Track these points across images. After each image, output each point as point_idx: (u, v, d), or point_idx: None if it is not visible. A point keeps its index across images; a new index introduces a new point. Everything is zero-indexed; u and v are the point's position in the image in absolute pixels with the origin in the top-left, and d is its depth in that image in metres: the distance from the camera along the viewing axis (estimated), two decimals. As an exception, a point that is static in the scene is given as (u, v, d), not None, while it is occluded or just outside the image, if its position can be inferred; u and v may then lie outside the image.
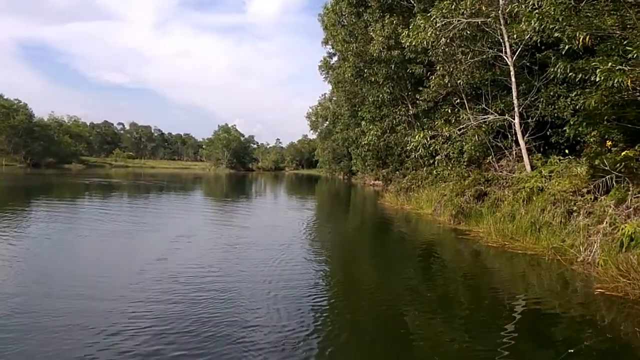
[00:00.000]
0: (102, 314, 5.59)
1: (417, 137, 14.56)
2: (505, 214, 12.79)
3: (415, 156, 17.38)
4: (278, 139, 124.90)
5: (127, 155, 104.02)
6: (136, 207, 21.08)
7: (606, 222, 9.29)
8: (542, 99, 13.17)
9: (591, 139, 11.04)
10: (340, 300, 6.92)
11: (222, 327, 5.24)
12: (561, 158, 12.58)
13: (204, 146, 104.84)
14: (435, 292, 7.63)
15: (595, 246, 9.13)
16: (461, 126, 14.48)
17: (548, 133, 13.42)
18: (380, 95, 21.82)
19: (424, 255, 11.22)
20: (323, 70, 33.11)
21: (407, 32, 14.18)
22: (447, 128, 14.07)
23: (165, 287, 6.87)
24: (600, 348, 5.28)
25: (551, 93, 12.89)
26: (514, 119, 13.55)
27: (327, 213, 22.74)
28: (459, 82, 14.88)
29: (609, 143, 10.88)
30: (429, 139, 14.21)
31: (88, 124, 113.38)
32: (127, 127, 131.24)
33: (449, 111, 15.59)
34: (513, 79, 13.19)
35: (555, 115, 12.65)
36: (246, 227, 14.37)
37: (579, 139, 12.24)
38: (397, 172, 24.91)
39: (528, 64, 14.02)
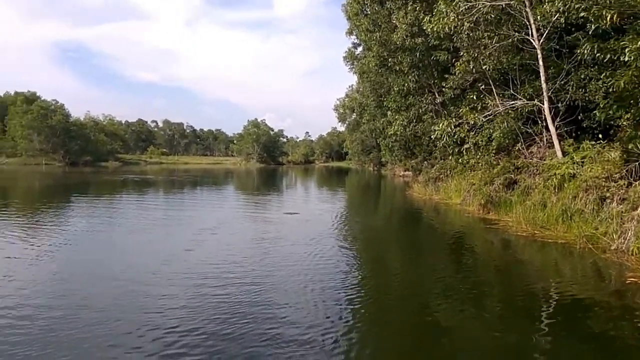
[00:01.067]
0: (137, 305, 5.84)
1: (441, 125, 14.25)
2: (535, 202, 12.41)
3: (441, 145, 17.03)
4: (307, 132, 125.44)
5: (161, 152, 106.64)
6: (172, 201, 21.87)
7: (641, 209, 8.91)
8: (572, 82, 12.62)
9: (624, 122, 10.53)
10: (372, 294, 6.87)
11: (256, 322, 5.28)
12: (594, 143, 12.05)
13: (234, 141, 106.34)
14: (466, 283, 7.49)
15: (630, 233, 8.77)
16: (487, 113, 14.06)
17: (579, 117, 12.85)
18: (406, 84, 21.48)
19: (453, 246, 11.03)
20: (348, 61, 32.87)
21: (429, 18, 13.87)
22: (472, 115, 13.68)
23: (200, 279, 7.01)
24: (635, 338, 5.12)
25: (582, 76, 12.32)
26: (543, 104, 13.07)
27: (357, 205, 22.69)
28: (484, 67, 14.41)
29: (645, 126, 10.38)
30: (453, 127, 13.88)
31: (123, 122, 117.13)
32: (161, 124, 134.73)
33: (475, 98, 15.18)
34: (541, 63, 12.70)
35: (587, 98, 12.10)
36: (278, 219, 14.55)
37: (612, 122, 11.70)
38: (426, 162, 24.52)
39: (557, 46, 13.45)
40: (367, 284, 7.36)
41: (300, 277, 7.22)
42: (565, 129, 13.54)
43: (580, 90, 12.46)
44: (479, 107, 14.52)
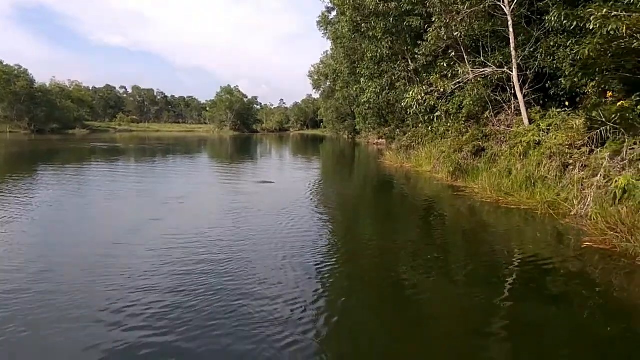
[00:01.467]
0: (97, 275, 5.69)
1: (411, 93, 14.17)
2: (501, 169, 12.65)
3: (410, 113, 16.99)
4: (282, 100, 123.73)
5: (131, 119, 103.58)
6: (142, 170, 21.15)
7: (600, 175, 9.14)
8: (541, 49, 12.66)
9: (590, 90, 10.68)
10: (342, 261, 6.83)
11: (221, 293, 5.22)
12: (560, 111, 12.24)
13: (207, 108, 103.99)
14: (433, 248, 7.65)
15: (589, 199, 9.03)
16: (457, 80, 14.04)
17: (547, 85, 12.98)
18: (379, 51, 21.15)
19: (422, 213, 11.16)
20: (322, 26, 32.02)
21: (401, -18, 13.56)
22: (442, 83, 13.63)
23: (164, 249, 6.90)
24: (589, 300, 5.37)
25: (551, 43, 12.34)
26: (512, 72, 13.11)
27: (330, 173, 22.52)
28: (456, 34, 14.28)
29: (609, 94, 10.55)
30: (423, 95, 13.81)
31: (90, 88, 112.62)
32: (130, 90, 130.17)
33: (445, 65, 15.11)
34: (511, 30, 12.65)
35: (555, 66, 12.18)
36: (251, 188, 14.38)
37: (578, 90, 11.87)
38: (398, 130, 24.57)
39: (528, 13, 13.41)
40: (337, 252, 7.37)
41: (270, 246, 7.19)
42: (533, 96, 13.68)
43: (549, 57, 12.51)
44: (450, 75, 14.47)
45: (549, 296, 5.51)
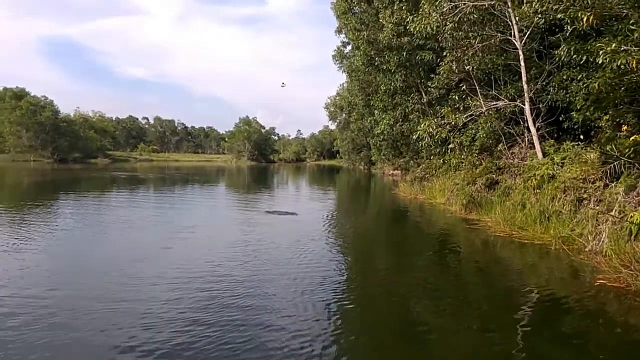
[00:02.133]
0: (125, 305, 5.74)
1: (422, 125, 14.24)
2: (515, 202, 12.46)
3: (422, 145, 17.01)
4: (299, 130, 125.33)
5: (151, 149, 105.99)
6: (161, 199, 21.59)
7: (615, 210, 8.93)
8: (554, 83, 12.67)
9: (603, 124, 10.57)
10: (358, 298, 6.68)
11: (236, 325, 5.20)
12: (574, 144, 12.11)
13: (226, 139, 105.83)
14: (446, 282, 7.58)
15: (604, 235, 8.80)
16: (469, 113, 14.08)
17: (561, 119, 12.90)
18: (393, 84, 21.47)
19: (435, 246, 10.98)
20: (337, 60, 32.80)
21: (412, 18, 13.86)
22: (453, 116, 13.68)
23: (191, 279, 6.95)
24: (604, 340, 5.22)
25: (564, 77, 12.35)
26: (524, 105, 13.10)
27: (345, 204, 22.45)
28: (468, 68, 14.44)
29: (625, 128, 10.41)
30: (435, 127, 13.86)
31: (113, 118, 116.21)
32: (152, 121, 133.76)
33: (457, 98, 15.18)
34: (522, 63, 12.72)
35: (567, 99, 12.14)
36: (267, 218, 14.37)
37: (592, 124, 11.76)
38: (412, 162, 24.55)
39: (539, 47, 13.50)
40: (352, 285, 7.32)
41: (285, 279, 7.15)
42: (547, 129, 13.60)
43: (562, 91, 12.50)
44: (461, 108, 14.53)
45: (564, 335, 5.31)
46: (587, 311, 6.06)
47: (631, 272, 6.76)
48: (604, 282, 6.90)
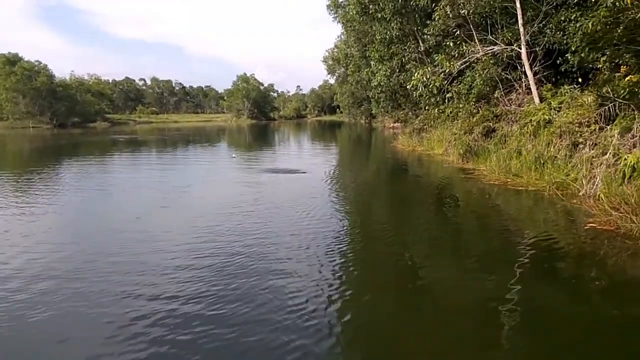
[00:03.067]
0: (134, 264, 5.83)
1: (416, 74, 13.85)
2: (511, 150, 12.33)
3: (416, 95, 16.64)
4: (298, 86, 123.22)
5: (150, 111, 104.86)
6: (165, 159, 21.88)
7: (610, 153, 8.81)
8: (551, 25, 12.17)
9: (601, 65, 10.21)
10: (358, 245, 6.91)
11: (239, 277, 5.33)
12: (572, 88, 11.80)
13: (224, 98, 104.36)
14: (444, 232, 7.65)
15: (597, 179, 8.73)
16: (463, 60, 13.64)
17: (558, 62, 12.49)
18: (388, 32, 20.74)
19: (432, 197, 10.91)
20: (332, 10, 31.55)
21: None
22: (447, 63, 13.27)
23: (198, 236, 7.05)
24: (594, 282, 5.32)
25: (561, 18, 11.84)
26: (520, 49, 12.66)
27: (346, 160, 21.96)
28: (463, 12, 13.86)
29: (623, 69, 10.06)
30: (429, 76, 13.47)
31: (110, 81, 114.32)
32: (149, 82, 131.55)
33: (451, 45, 14.65)
34: (518, 5, 12.18)
35: (565, 41, 11.70)
36: (272, 173, 14.50)
37: (591, 66, 11.38)
38: (410, 113, 24.17)
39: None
40: (354, 237, 7.36)
41: (291, 230, 7.34)
42: (545, 73, 13.21)
43: (559, 33, 12.03)
44: (456, 55, 14.07)
45: (556, 278, 5.46)
46: (578, 254, 6.09)
47: (620, 214, 6.73)
48: (594, 225, 6.89)
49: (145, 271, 5.55)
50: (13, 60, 67.90)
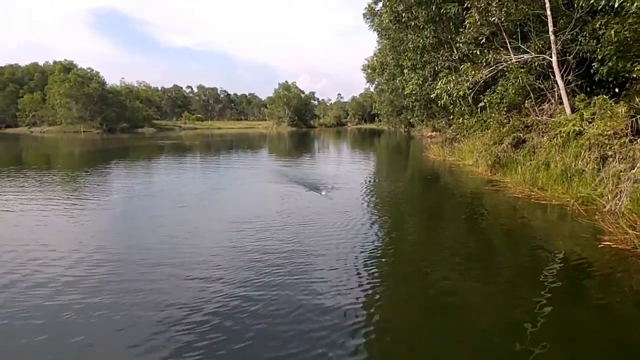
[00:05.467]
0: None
1: (439, 83, 13.58)
2: (539, 162, 11.83)
3: (441, 104, 16.28)
4: (339, 94, 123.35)
5: (195, 117, 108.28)
6: (208, 164, 22.87)
7: (638, 167, 8.30)
8: (584, 32, 11.63)
9: (636, 75, 9.65)
10: (388, 256, 6.80)
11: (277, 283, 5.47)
12: (605, 98, 11.19)
13: (266, 105, 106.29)
14: (470, 248, 7.33)
15: (623, 194, 8.24)
16: (490, 68, 13.25)
17: (592, 71, 11.89)
18: (422, 40, 20.47)
19: (457, 211, 10.43)
20: (368, 18, 31.54)
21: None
22: (472, 72, 12.93)
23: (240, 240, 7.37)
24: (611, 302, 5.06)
25: (596, 25, 11.29)
26: (551, 57, 12.17)
27: (381, 169, 21.67)
28: (493, 19, 13.47)
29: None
30: (452, 85, 13.17)
31: (159, 88, 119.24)
32: (195, 90, 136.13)
33: (478, 53, 14.25)
34: (548, 12, 11.71)
35: (599, 50, 11.12)
36: (306, 181, 14.54)
37: (627, 75, 10.79)
38: (444, 123, 23.69)
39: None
40: (382, 250, 7.17)
41: (325, 237, 7.43)
42: (578, 83, 12.63)
43: (593, 41, 11.47)
44: (485, 63, 13.68)
45: (579, 297, 5.23)
46: (589, 273, 5.78)
47: (637, 233, 6.32)
48: (609, 243, 6.51)
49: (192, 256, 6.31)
50: (68, 68, 72.36)
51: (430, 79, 21.16)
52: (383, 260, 6.57)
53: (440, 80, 14.12)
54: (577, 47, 11.80)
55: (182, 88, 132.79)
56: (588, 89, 12.61)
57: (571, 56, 12.12)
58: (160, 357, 3.85)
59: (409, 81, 22.17)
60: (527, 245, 7.29)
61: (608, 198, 8.53)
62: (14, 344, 4.11)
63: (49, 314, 4.62)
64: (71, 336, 4.21)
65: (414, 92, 21.89)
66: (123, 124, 73.23)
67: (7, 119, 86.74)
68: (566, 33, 11.96)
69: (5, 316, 4.59)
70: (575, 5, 11.77)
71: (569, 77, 12.43)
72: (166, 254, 6.57)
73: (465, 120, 18.50)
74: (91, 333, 4.26)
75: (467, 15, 15.14)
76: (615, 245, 6.38)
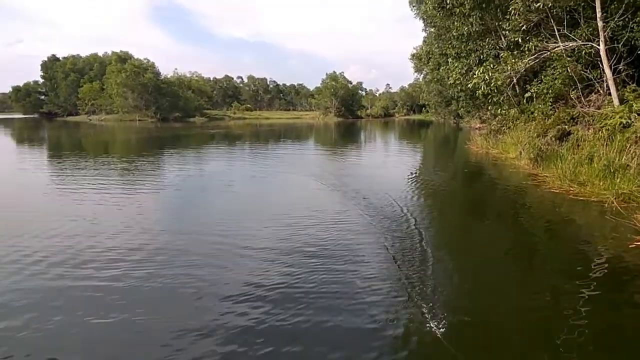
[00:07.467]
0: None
1: (477, 72, 13.06)
2: (582, 156, 11.20)
3: (479, 94, 15.62)
4: (388, 84, 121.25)
5: (245, 107, 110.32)
6: (257, 152, 23.78)
7: (685, 164, 7.69)
8: (638, 18, 10.80)
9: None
10: (427, 255, 6.46)
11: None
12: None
13: (314, 95, 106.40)
14: (503, 245, 7.21)
15: (667, 192, 7.68)
16: (531, 57, 12.58)
17: (645, 59, 11.08)
18: (467, 28, 19.72)
19: (493, 207, 10.25)
20: (414, 5, 30.70)
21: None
22: (511, 60, 12.33)
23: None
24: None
25: (653, 9, 10.48)
26: (599, 45, 11.41)
27: (428, 162, 21.29)
28: (538, 5, 12.77)
29: None
30: (490, 74, 12.62)
31: (211, 78, 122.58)
32: (246, 80, 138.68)
33: (520, 40, 13.55)
34: (596, -4, 10.99)
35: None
36: (354, 171, 15.09)
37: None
38: (489, 113, 22.80)
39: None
40: (422, 244, 6.96)
41: (372, 233, 7.45)
42: (630, 72, 11.78)
43: (647, 26, 10.66)
44: (527, 51, 13.02)
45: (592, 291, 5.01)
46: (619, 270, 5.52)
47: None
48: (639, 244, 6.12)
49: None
50: (124, 58, 75.77)
51: (475, 67, 20.39)
52: (421, 254, 6.42)
53: (477, 69, 13.57)
54: (628, 34, 10.98)
55: (233, 78, 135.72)
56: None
57: (621, 44, 11.29)
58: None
59: (453, 70, 21.45)
60: (552, 241, 7.04)
61: (651, 195, 7.98)
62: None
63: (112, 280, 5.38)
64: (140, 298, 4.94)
65: (458, 82, 21.16)
66: (176, 114, 75.90)
67: (69, 107, 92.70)
68: (616, 19, 11.15)
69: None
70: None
71: (619, 67, 11.60)
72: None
73: (510, 111, 17.73)
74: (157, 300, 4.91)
75: (512, 1, 14.45)
76: (646, 246, 5.99)
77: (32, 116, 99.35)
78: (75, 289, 5.14)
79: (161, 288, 5.17)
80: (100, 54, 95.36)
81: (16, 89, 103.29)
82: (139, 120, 69.49)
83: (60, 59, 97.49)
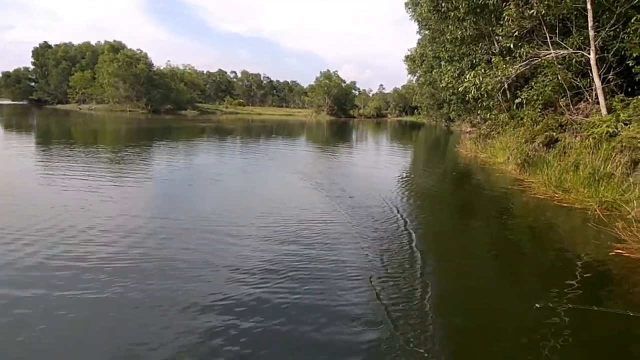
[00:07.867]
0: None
1: (468, 76, 13.14)
2: (568, 163, 11.33)
3: (469, 98, 15.74)
4: (381, 85, 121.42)
5: (237, 102, 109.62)
6: (250, 149, 23.54)
7: (668, 174, 7.80)
8: (628, 29, 10.92)
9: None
10: (420, 252, 6.46)
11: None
12: (644, 98, 10.55)
13: (307, 93, 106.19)
14: (485, 247, 7.33)
15: (648, 201, 7.78)
16: (521, 63, 12.69)
17: (634, 70, 11.19)
18: (460, 32, 19.80)
19: (477, 211, 10.27)
20: (409, 7, 30.77)
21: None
22: (502, 66, 12.42)
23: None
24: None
25: (640, 20, 10.59)
26: (589, 54, 11.53)
27: (418, 164, 21.32)
28: (531, 12, 12.86)
29: None
30: (481, 79, 12.71)
31: (204, 72, 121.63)
32: (239, 75, 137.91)
33: (511, 46, 13.66)
34: (589, 6, 11.07)
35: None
36: (345, 170, 15.14)
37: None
38: (479, 118, 22.96)
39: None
40: (415, 243, 6.95)
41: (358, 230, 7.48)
42: (619, 82, 11.93)
43: (636, 38, 10.77)
44: (518, 57, 13.13)
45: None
46: (597, 281, 5.56)
47: (651, 242, 5.97)
48: (622, 252, 6.19)
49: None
50: (117, 48, 74.75)
51: (467, 71, 20.51)
52: (409, 252, 6.45)
53: (469, 73, 13.65)
54: (618, 44, 11.11)
55: (226, 72, 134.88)
56: (629, 89, 11.89)
57: (611, 54, 11.42)
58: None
59: (445, 73, 21.53)
60: (534, 247, 7.12)
61: (634, 205, 8.07)
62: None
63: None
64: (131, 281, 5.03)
65: (450, 85, 21.25)
66: (167, 106, 75.15)
67: (59, 95, 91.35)
68: (607, 29, 11.27)
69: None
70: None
71: (609, 76, 11.74)
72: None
73: (500, 116, 17.86)
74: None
75: (506, 7, 14.55)
76: (627, 254, 6.06)
77: (21, 103, 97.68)
78: (69, 268, 5.26)
79: (149, 269, 5.34)
80: (93, 42, 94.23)
81: (6, 75, 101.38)
82: (129, 111, 68.67)
83: (52, 46, 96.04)
